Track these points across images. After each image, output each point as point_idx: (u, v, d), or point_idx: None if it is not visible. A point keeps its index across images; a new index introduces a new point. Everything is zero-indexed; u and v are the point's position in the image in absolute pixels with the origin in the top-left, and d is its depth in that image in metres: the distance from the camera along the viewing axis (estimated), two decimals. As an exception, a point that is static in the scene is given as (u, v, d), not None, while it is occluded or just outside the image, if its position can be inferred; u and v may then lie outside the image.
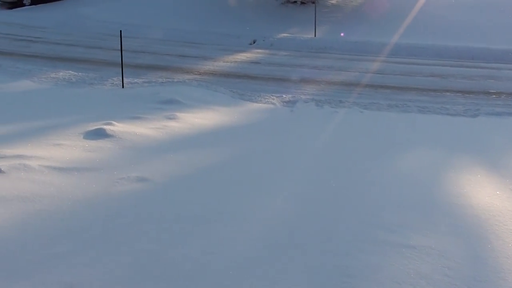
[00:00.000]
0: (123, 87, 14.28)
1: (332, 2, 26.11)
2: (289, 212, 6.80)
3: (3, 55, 18.46)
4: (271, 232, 6.26)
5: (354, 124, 11.59)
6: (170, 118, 10.93)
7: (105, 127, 9.66)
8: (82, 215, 6.42)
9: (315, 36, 22.08)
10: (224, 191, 7.38)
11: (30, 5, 27.88)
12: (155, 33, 22.48)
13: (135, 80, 15.04)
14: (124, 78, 14.46)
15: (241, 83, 15.53)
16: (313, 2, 24.14)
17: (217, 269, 5.44)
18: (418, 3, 25.04)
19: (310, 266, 5.57)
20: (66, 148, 8.76)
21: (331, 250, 5.89)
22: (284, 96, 13.97)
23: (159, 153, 8.88)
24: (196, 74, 16.46)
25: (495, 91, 15.01)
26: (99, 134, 9.44)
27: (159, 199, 6.99)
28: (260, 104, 13.24)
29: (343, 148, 9.74)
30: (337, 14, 24.95)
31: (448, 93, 14.71)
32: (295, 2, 26.18)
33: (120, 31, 14.87)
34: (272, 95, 14.00)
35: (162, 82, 14.93)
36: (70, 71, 15.87)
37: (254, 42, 21.83)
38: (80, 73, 15.72)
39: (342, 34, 22.42)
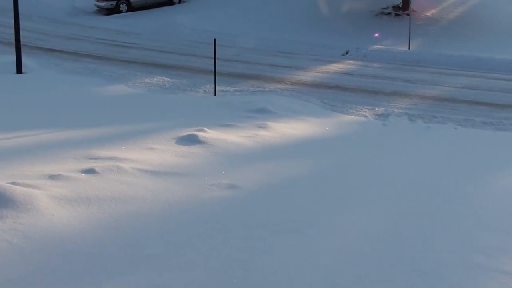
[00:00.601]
0: (215, 94, 14.46)
1: (427, 14, 25.58)
2: (380, 228, 6.65)
3: (100, 59, 19.06)
4: (360, 247, 6.14)
5: (448, 141, 11.28)
6: (261, 127, 10.96)
7: (197, 133, 9.77)
8: (172, 219, 6.49)
9: (409, 48, 21.70)
10: (314, 203, 7.30)
11: (126, 12, 28.59)
12: (248, 42, 22.67)
13: (227, 88, 15.20)
14: (216, 86, 14.64)
15: (333, 94, 15.42)
16: (408, 14, 23.73)
17: (303, 282, 5.36)
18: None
19: (397, 285, 5.41)
20: (159, 152, 8.91)
21: (420, 269, 5.71)
22: (376, 109, 13.78)
23: (250, 161, 8.90)
24: (287, 84, 16.46)
25: None
26: (191, 140, 9.56)
27: (249, 207, 6.98)
28: (352, 116, 13.10)
29: (437, 165, 9.48)
30: (432, 27, 24.44)
31: (548, 112, 14.13)
32: (389, 13, 25.84)
33: (214, 39, 15.06)
34: (364, 108, 13.84)
35: (254, 91, 15.02)
36: (164, 77, 16.21)
37: (346, 53, 21.66)
38: (173, 80, 16.04)
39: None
